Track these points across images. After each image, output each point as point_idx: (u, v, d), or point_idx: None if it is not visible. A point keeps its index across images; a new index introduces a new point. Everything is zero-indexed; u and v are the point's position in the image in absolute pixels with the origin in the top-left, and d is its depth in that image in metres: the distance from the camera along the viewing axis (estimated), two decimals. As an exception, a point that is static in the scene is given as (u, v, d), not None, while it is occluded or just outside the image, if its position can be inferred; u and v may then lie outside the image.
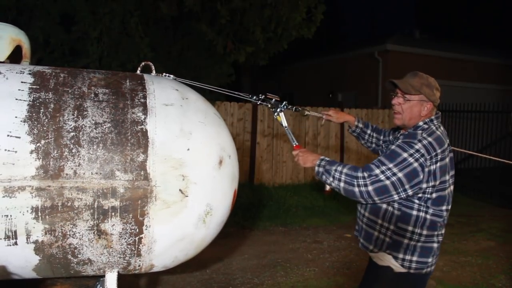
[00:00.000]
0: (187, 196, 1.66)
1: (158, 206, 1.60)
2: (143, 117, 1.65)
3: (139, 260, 1.69)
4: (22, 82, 1.62)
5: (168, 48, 7.61)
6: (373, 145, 2.49)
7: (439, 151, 1.88)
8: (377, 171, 1.84)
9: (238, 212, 5.78)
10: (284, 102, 2.29)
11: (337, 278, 4.10)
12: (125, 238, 1.60)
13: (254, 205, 6.47)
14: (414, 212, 1.92)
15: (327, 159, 2.00)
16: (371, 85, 11.99)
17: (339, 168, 1.91)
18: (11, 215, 1.47)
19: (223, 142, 1.85)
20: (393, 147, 1.92)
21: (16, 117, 1.52)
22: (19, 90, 1.59)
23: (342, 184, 1.89)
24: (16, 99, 1.56)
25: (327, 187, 2.08)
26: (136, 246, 1.63)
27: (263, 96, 2.26)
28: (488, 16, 19.77)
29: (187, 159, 1.67)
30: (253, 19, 7.10)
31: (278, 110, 2.27)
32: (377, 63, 11.90)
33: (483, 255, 4.80)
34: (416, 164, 1.83)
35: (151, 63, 2.05)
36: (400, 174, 1.82)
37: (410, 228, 1.93)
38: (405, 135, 1.97)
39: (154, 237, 1.63)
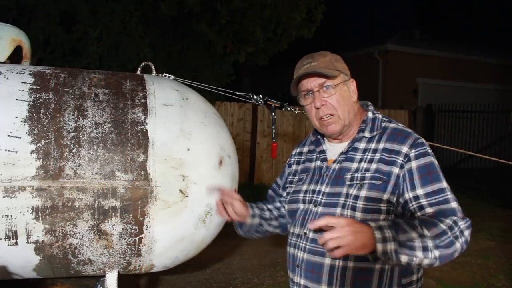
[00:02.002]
0: (187, 196, 1.66)
1: (158, 206, 1.60)
2: (143, 117, 1.65)
3: (139, 260, 1.69)
4: (22, 82, 1.62)
5: (168, 48, 7.60)
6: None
7: None
8: (453, 204, 1.30)
9: (238, 212, 5.76)
10: (286, 104, 2.31)
11: (337, 278, 4.10)
12: (125, 238, 1.60)
13: (254, 205, 6.45)
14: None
15: (384, 224, 1.21)
16: (371, 85, 11.99)
17: (420, 231, 1.21)
18: (11, 215, 1.47)
19: (223, 142, 1.85)
20: (414, 164, 1.31)
21: (16, 117, 1.52)
22: (19, 90, 1.59)
23: (438, 253, 1.21)
24: (17, 99, 1.56)
25: None
26: (136, 246, 1.63)
27: (264, 98, 2.27)
28: (488, 17, 19.78)
29: (187, 159, 1.67)
30: (253, 19, 7.10)
31: (273, 114, 2.27)
32: (377, 63, 11.90)
33: (483, 255, 4.79)
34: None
35: (151, 64, 2.05)
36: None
37: (414, 277, 1.39)
38: (392, 137, 1.37)
39: (154, 237, 1.64)
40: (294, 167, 1.60)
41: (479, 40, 15.78)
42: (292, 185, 1.55)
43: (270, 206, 1.68)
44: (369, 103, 1.52)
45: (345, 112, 1.41)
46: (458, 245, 1.24)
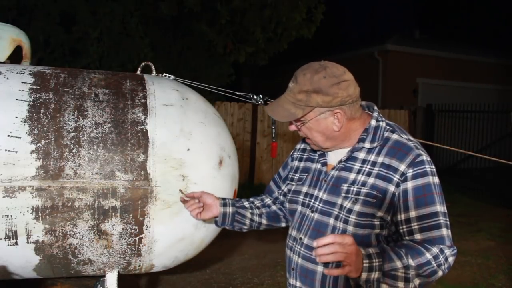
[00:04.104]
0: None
1: (159, 206, 1.61)
2: (143, 117, 1.66)
3: (139, 260, 1.69)
4: (22, 82, 1.62)
5: (168, 48, 7.61)
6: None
7: None
8: (444, 231, 1.29)
9: (238, 212, 5.75)
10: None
11: (337, 278, 4.09)
12: (125, 238, 1.60)
13: (254, 205, 6.44)
14: None
15: (373, 251, 1.21)
16: (371, 85, 11.99)
17: (405, 261, 1.22)
18: (11, 215, 1.47)
19: (223, 142, 1.85)
20: (410, 184, 1.28)
21: (16, 117, 1.52)
22: (19, 90, 1.59)
23: (419, 281, 1.29)
24: (17, 99, 1.56)
25: None
26: (136, 246, 1.63)
27: (265, 98, 2.26)
28: (488, 17, 19.78)
29: (187, 159, 1.67)
30: (253, 19, 7.10)
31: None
32: (377, 63, 11.90)
33: (483, 255, 4.80)
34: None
35: (151, 64, 2.05)
36: (445, 208, 1.33)
37: None
38: (391, 152, 1.32)
39: (154, 237, 1.64)
40: (296, 163, 1.59)
41: (479, 40, 15.78)
42: (293, 183, 1.54)
43: (251, 199, 1.69)
44: (375, 106, 1.45)
45: (320, 141, 1.37)
46: (440, 273, 1.28)
